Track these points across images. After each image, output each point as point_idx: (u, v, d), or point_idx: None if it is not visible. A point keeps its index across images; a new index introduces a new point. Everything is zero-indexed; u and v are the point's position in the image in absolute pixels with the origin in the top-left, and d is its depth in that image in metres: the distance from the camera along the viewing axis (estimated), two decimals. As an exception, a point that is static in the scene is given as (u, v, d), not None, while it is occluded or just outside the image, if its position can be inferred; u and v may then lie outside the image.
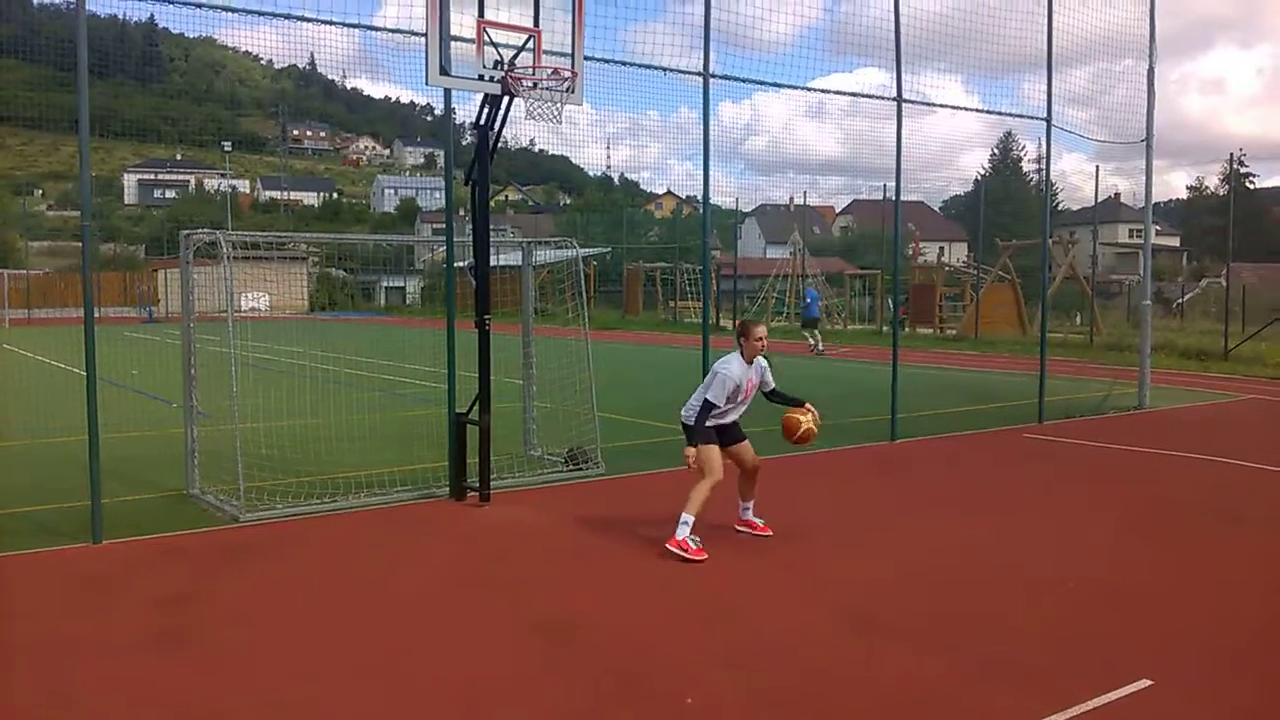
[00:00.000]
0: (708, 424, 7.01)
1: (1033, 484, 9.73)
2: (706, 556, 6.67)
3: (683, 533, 6.75)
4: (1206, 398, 16.71)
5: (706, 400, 6.97)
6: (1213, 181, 70.65)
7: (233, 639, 5.38)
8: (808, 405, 7.26)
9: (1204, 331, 26.05)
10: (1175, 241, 69.59)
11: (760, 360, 7.20)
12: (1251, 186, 64.97)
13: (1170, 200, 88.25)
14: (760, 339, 7.05)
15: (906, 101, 11.89)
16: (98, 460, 7.35)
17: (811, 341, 26.93)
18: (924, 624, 5.62)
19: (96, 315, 7.63)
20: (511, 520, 7.99)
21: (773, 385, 7.33)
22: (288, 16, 8.41)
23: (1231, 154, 56.83)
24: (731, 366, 7.02)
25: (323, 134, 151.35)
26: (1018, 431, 12.77)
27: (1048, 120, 13.47)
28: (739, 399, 7.12)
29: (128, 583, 6.38)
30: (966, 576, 6.58)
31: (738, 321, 7.50)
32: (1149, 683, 4.74)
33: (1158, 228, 44.69)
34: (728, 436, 7.18)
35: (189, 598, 6.04)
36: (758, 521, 7.46)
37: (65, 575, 6.55)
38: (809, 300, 28.63)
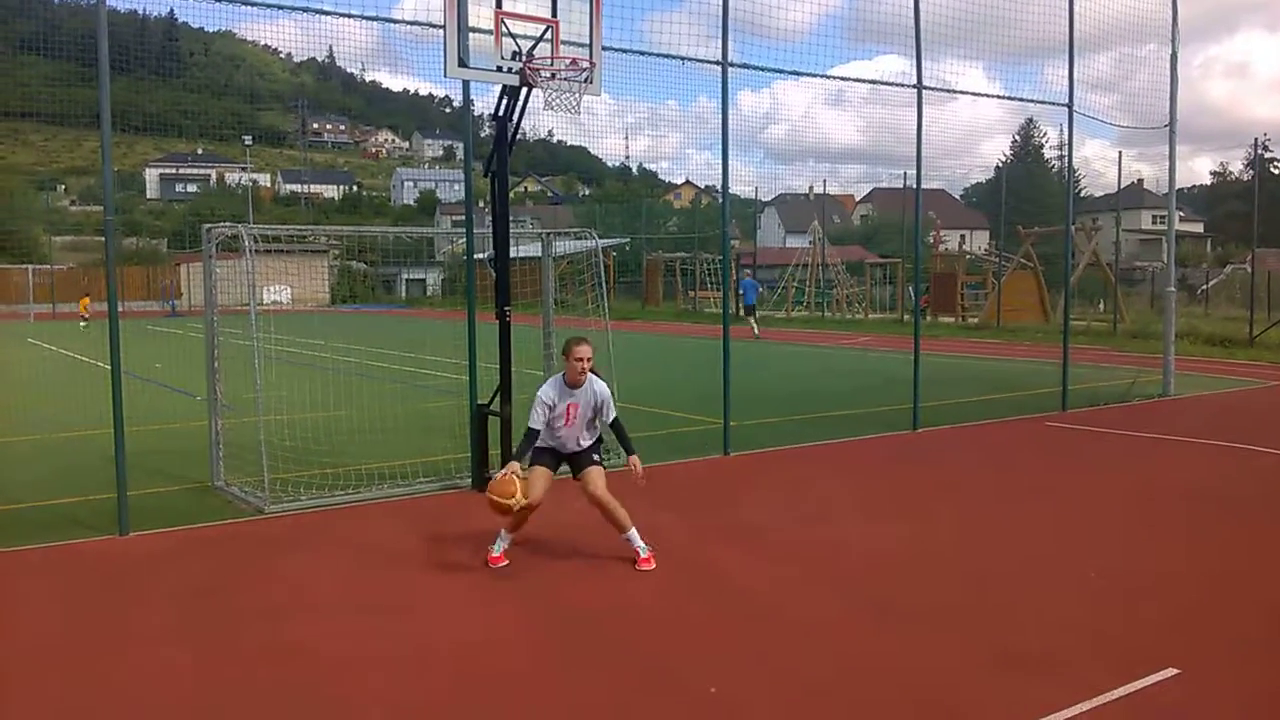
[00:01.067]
0: (540, 445, 6.60)
1: (1056, 472, 9.66)
2: (505, 564, 6.48)
3: (496, 546, 6.57)
4: (1232, 385, 16.55)
5: (529, 427, 6.52)
6: (1237, 166, 70.03)
7: (258, 630, 5.42)
8: (634, 459, 6.59)
9: (1229, 318, 25.84)
10: (1199, 227, 69.05)
11: (599, 388, 6.59)
12: (1276, 171, 64.22)
13: (1194, 186, 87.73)
14: (580, 359, 6.41)
15: (927, 88, 11.80)
16: (123, 453, 7.42)
17: (754, 326, 28.74)
18: (947, 613, 5.60)
19: (120, 309, 7.69)
20: (533, 511, 7.97)
21: (613, 416, 6.70)
22: (306, 10, 8.44)
23: (1256, 139, 56.15)
24: (544, 388, 6.58)
25: (342, 127, 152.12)
26: (1040, 420, 12.69)
27: (1070, 106, 13.35)
28: (559, 424, 6.54)
29: (154, 574, 6.44)
30: (989, 566, 6.55)
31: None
32: (1176, 671, 4.70)
33: (1181, 214, 44.23)
34: (575, 464, 6.74)
35: (215, 589, 6.10)
36: (639, 549, 6.55)
37: (93, 567, 6.62)
38: (743, 289, 30.43)
